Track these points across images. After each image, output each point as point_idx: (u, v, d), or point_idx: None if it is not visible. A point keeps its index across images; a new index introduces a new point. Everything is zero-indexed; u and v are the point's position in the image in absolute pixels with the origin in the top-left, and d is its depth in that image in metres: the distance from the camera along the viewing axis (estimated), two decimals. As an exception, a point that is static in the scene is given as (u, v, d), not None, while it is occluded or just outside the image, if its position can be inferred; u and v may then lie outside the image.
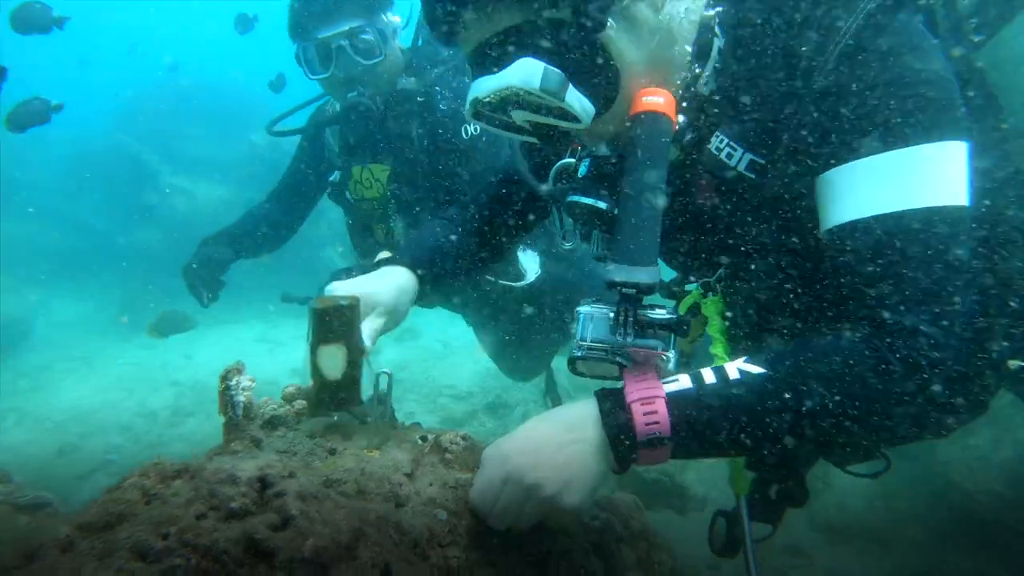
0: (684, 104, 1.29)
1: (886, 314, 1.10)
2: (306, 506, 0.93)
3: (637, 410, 1.12)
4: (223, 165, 9.03)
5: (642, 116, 1.21)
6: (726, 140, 1.27)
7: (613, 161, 1.32)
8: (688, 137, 1.31)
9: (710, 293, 1.50)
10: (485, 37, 1.20)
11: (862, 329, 1.13)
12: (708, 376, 1.16)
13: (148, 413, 5.62)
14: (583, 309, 1.28)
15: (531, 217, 1.87)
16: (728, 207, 1.34)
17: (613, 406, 1.17)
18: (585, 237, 1.56)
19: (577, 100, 1.18)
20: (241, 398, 1.17)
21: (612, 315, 1.22)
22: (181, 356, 6.66)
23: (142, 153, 8.92)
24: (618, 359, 1.21)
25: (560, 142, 1.39)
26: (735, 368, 1.15)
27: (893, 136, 1.11)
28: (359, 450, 1.32)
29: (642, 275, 1.16)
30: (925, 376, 1.07)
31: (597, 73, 1.20)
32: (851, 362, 1.09)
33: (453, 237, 1.80)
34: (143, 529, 0.86)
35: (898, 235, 1.10)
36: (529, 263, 2.82)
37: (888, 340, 1.09)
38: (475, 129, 2.64)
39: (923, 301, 1.08)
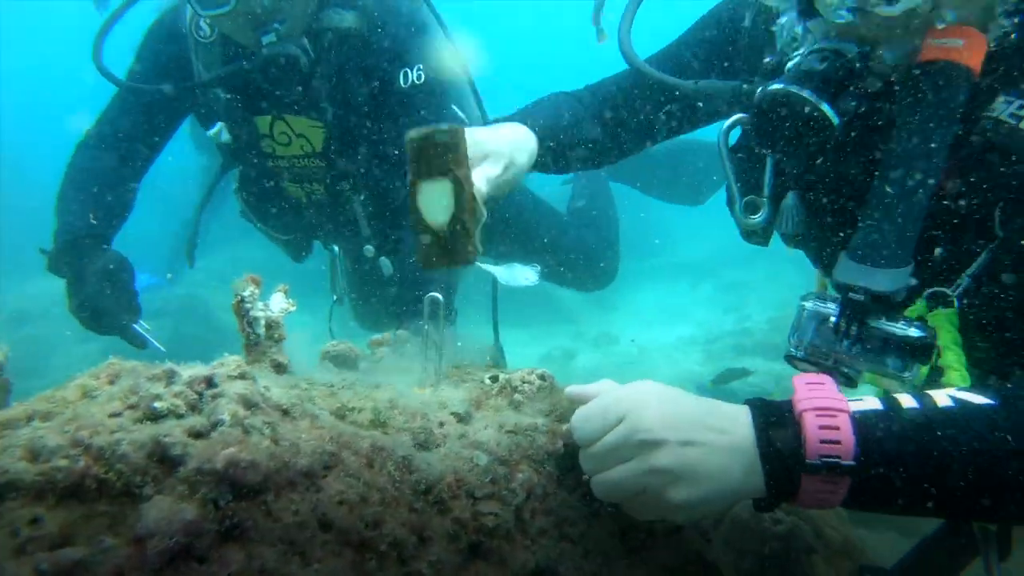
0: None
1: None
2: (250, 414, 0.71)
3: (811, 422, 0.79)
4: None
5: (939, 64, 0.94)
6: (1018, 102, 0.98)
7: (856, 67, 1.01)
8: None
9: (939, 307, 1.12)
10: None
11: None
12: (906, 400, 0.84)
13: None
14: (808, 305, 1.11)
15: (659, 126, 1.55)
16: (983, 196, 1.04)
17: (774, 412, 0.84)
18: (775, 199, 1.25)
19: None
20: (258, 313, 0.99)
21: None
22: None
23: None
24: (846, 371, 1.06)
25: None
26: (946, 396, 0.84)
27: None
28: (409, 386, 1.09)
29: (882, 280, 0.98)
30: None
31: None
32: None
33: (574, 117, 1.52)
34: (51, 426, 0.70)
35: None
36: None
37: None
38: (417, 77, 2.12)
39: None
